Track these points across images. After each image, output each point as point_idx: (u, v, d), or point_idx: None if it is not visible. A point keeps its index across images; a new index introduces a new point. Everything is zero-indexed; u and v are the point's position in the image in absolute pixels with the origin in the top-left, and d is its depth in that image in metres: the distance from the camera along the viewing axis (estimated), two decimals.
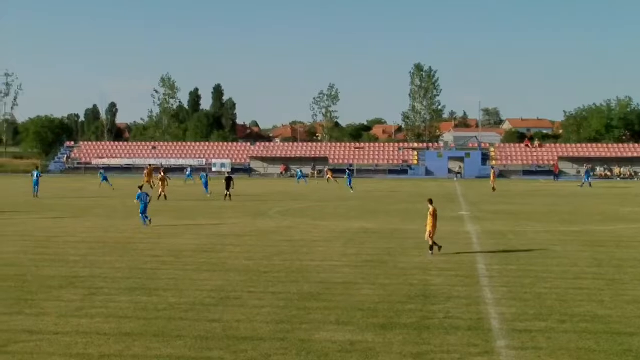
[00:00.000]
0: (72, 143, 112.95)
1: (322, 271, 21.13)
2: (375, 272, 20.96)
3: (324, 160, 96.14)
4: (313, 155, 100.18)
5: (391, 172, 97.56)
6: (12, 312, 15.68)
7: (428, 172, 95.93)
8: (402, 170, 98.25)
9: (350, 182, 62.66)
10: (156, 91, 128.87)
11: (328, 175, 79.99)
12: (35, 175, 52.63)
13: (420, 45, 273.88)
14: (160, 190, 48.69)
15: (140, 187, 35.04)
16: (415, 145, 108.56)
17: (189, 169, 79.69)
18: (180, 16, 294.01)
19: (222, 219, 35.89)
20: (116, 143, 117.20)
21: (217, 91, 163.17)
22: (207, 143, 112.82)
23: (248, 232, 30.49)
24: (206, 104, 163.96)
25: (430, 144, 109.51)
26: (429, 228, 24.24)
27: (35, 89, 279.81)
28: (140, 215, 33.12)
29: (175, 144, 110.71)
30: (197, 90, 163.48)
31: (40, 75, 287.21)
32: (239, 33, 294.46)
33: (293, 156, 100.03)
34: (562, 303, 16.97)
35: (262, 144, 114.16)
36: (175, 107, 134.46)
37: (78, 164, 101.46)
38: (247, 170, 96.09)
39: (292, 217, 37.27)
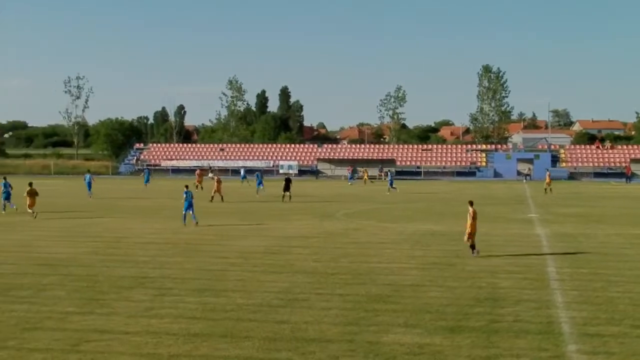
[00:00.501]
0: (142, 145, 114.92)
1: (390, 273, 21.10)
2: (442, 275, 20.83)
3: (390, 162, 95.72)
4: (380, 157, 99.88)
5: (459, 174, 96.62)
6: (83, 312, 16.09)
7: (496, 174, 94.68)
8: (470, 172, 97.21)
9: (391, 183, 62.52)
10: (224, 94, 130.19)
11: (365, 176, 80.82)
12: (87, 178, 54.67)
13: (488, 46, 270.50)
14: (213, 191, 49.42)
15: (186, 187, 35.67)
16: (483, 146, 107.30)
17: (242, 170, 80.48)
18: (248, 19, 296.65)
19: (289, 221, 36.11)
20: (184, 145, 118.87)
21: (284, 93, 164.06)
22: (274, 145, 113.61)
23: (315, 234, 30.61)
24: (273, 106, 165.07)
25: (499, 146, 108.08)
26: (468, 230, 24.18)
27: (105, 92, 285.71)
28: (184, 212, 34.00)
29: (242, 145, 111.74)
30: (264, 92, 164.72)
31: (110, 78, 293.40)
32: (306, 35, 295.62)
33: (360, 158, 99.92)
34: (635, 307, 16.59)
35: (329, 145, 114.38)
36: (242, 109, 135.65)
37: (147, 165, 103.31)
38: (314, 172, 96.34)
39: (359, 219, 37.27)
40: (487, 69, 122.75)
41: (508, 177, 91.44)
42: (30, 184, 39.35)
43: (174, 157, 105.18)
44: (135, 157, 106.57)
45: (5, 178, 43.11)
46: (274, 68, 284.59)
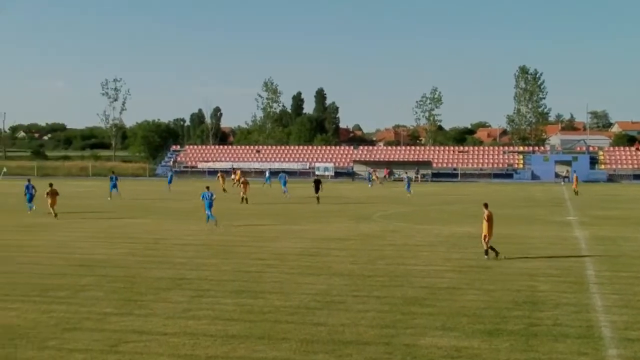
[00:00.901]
0: (178, 147, 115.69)
1: (426, 276, 20.99)
2: (480, 278, 20.67)
3: (427, 164, 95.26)
4: (416, 159, 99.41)
5: (496, 176, 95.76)
6: (122, 313, 16.23)
7: (534, 176, 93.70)
8: (507, 174, 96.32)
9: (408, 186, 62.05)
10: (260, 95, 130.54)
11: (374, 177, 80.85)
12: (112, 180, 55.60)
13: (525, 47, 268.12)
14: (242, 193, 49.55)
15: (207, 187, 36.11)
16: (521, 148, 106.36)
17: (267, 172, 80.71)
18: (283, 21, 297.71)
19: (325, 223, 36.10)
20: (220, 147, 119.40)
21: (320, 95, 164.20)
22: (310, 147, 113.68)
23: (352, 236, 30.57)
24: (309, 107, 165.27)
25: (536, 148, 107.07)
26: (484, 232, 24.10)
27: (142, 94, 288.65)
28: (207, 212, 34.67)
29: (278, 147, 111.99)
30: (299, 94, 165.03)
31: (147, 80, 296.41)
32: (342, 37, 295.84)
33: (396, 160, 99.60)
34: None
35: (365, 147, 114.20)
36: (278, 111, 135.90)
37: (184, 167, 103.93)
38: (350, 174, 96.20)
39: (395, 221, 37.15)
40: (524, 70, 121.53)
41: (546, 179, 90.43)
42: (51, 185, 40.03)
43: (210, 159, 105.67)
44: (172, 159, 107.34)
45: (29, 180, 44.24)
46: (310, 70, 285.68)
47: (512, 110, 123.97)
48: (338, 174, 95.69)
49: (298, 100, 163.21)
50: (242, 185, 50.44)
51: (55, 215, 37.62)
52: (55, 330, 14.71)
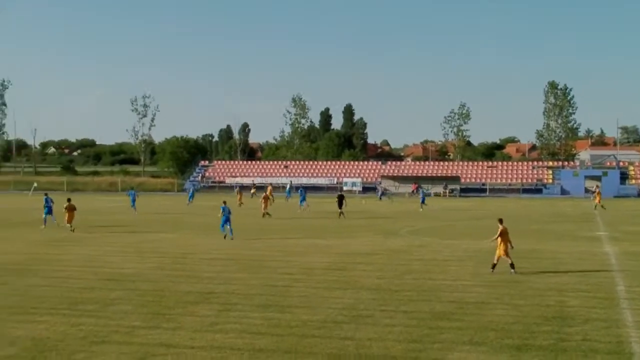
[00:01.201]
0: (207, 162, 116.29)
1: (454, 290, 20.86)
2: (508, 292, 20.50)
3: (455, 179, 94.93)
4: (444, 175, 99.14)
5: (525, 191, 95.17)
6: (150, 326, 16.29)
7: (563, 191, 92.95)
8: (536, 190, 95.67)
9: (423, 200, 62.82)
10: (288, 111, 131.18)
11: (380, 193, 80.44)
12: (132, 195, 57.67)
13: (554, 62, 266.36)
14: (262, 209, 49.70)
15: (224, 202, 36.48)
16: (550, 163, 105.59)
17: (288, 186, 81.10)
18: (311, 37, 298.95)
19: (352, 238, 36.05)
20: (249, 162, 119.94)
21: (348, 111, 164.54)
22: (338, 162, 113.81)
23: (379, 251, 30.49)
24: (337, 123, 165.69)
25: (566, 163, 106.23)
26: (499, 250, 24.08)
27: (171, 110, 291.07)
28: (221, 227, 35.69)
29: (306, 163, 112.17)
30: (327, 110, 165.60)
31: (176, 96, 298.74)
32: (370, 53, 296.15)
33: (424, 175, 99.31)
34: None
35: (393, 163, 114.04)
36: (306, 126, 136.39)
37: (212, 182, 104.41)
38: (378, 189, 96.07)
39: (423, 236, 36.99)
40: (553, 85, 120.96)
41: (575, 195, 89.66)
42: (69, 200, 40.92)
43: (238, 174, 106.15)
44: (200, 174, 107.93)
45: (46, 194, 45.46)
46: (338, 86, 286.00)
47: (541, 126, 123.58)
48: (366, 189, 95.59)
49: (326, 116, 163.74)
50: (262, 201, 50.57)
51: (73, 230, 38.19)
52: (83, 343, 14.81)
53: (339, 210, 49.94)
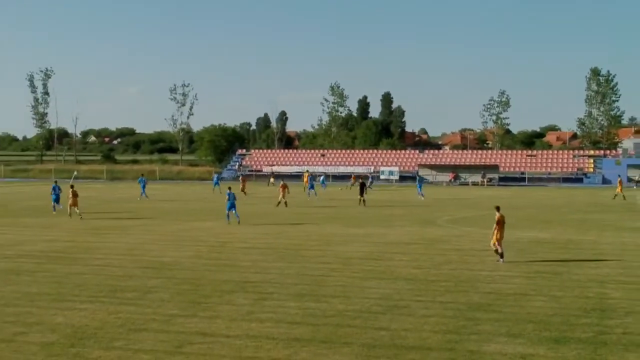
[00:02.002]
0: (244, 151, 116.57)
1: (492, 281, 20.68)
2: (547, 284, 20.26)
3: (494, 168, 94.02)
4: (483, 163, 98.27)
5: (565, 180, 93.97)
6: (187, 315, 16.41)
7: (605, 181, 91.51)
8: (577, 179, 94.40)
9: (420, 188, 61.52)
10: (325, 99, 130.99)
11: (352, 182, 75.62)
12: (142, 181, 59.69)
13: (596, 48, 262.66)
14: (280, 197, 49.62)
15: (229, 188, 38.60)
16: (592, 152, 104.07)
17: (322, 176, 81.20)
18: (349, 25, 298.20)
19: (390, 227, 35.93)
20: (286, 151, 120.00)
21: (386, 99, 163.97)
22: (375, 150, 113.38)
23: (416, 240, 30.35)
24: (375, 111, 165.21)
25: (608, 151, 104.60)
26: (494, 236, 24.12)
27: (209, 99, 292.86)
28: (227, 212, 37.46)
29: (344, 151, 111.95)
30: (365, 98, 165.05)
31: (214, 85, 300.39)
32: (408, 40, 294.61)
33: (462, 164, 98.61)
34: None
35: (431, 151, 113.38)
36: (344, 115, 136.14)
37: (249, 171, 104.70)
38: (416, 178, 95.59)
39: (461, 226, 36.73)
40: (595, 72, 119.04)
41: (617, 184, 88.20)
42: (72, 186, 42.51)
43: (275, 163, 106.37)
44: (237, 163, 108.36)
45: (55, 182, 48.23)
46: (376, 73, 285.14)
47: (583, 113, 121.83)
48: (403, 178, 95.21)
49: (364, 104, 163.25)
50: (280, 189, 50.28)
51: (80, 216, 39.87)
52: (121, 330, 14.97)
53: (361, 197, 50.59)
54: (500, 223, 24.22)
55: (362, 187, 51.40)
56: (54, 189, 44.78)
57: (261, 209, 47.83)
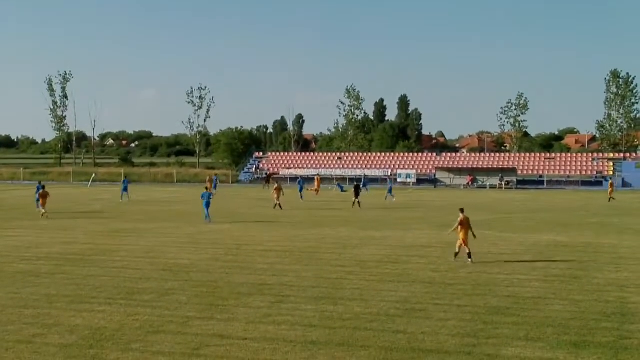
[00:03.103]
0: (261, 154, 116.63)
1: (510, 285, 20.56)
2: (566, 288, 20.12)
3: (512, 171, 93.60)
4: (501, 166, 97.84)
5: (584, 183, 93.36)
6: (204, 317, 16.43)
7: (625, 184, 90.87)
8: (596, 182, 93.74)
9: (390, 190, 62.76)
10: (342, 102, 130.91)
11: (316, 185, 70.37)
12: (124, 183, 60.76)
13: (616, 51, 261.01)
14: (275, 199, 49.38)
15: (207, 188, 43.14)
16: (611, 155, 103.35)
17: (336, 183, 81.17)
18: (365, 29, 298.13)
19: (407, 230, 35.83)
20: (303, 154, 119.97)
21: (403, 102, 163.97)
22: (392, 154, 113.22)
23: (433, 244, 30.25)
24: (391, 114, 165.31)
25: (627, 154, 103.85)
26: (461, 237, 24.79)
27: (226, 102, 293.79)
28: (205, 211, 39.90)
29: (360, 154, 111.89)
30: (382, 101, 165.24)
31: (230, 88, 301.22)
32: (425, 43, 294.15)
33: (480, 167, 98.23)
34: None
35: (448, 154, 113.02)
36: (360, 118, 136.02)
37: (266, 174, 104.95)
38: (432, 181, 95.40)
39: (478, 229, 36.34)
40: (615, 75, 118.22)
41: (638, 187, 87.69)
42: (43, 187, 45.05)
43: (292, 166, 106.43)
44: (254, 166, 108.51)
45: (40, 182, 51.64)
46: (393, 76, 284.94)
47: (602, 116, 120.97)
48: (420, 181, 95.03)
49: (380, 107, 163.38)
50: (274, 192, 49.90)
51: (45, 214, 41.97)
52: (139, 332, 15.00)
53: (355, 199, 51.41)
54: (464, 224, 24.79)
55: (357, 189, 52.42)
56: (37, 189, 46.53)
57: (278, 212, 47.82)
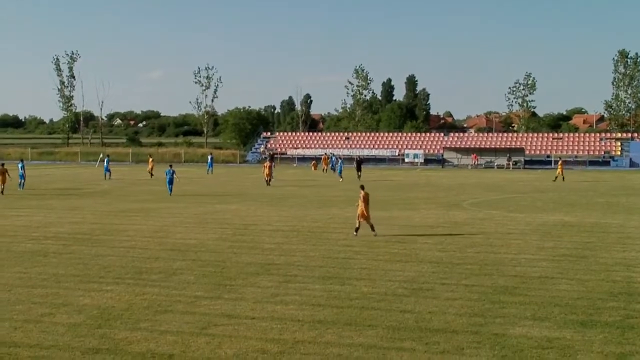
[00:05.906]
0: (269, 134, 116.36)
1: (517, 264, 20.57)
2: (573, 267, 20.12)
3: (519, 151, 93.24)
4: (508, 146, 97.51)
5: (592, 163, 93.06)
6: (212, 297, 16.49)
7: (632, 164, 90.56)
8: (603, 162, 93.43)
9: (340, 170, 62.77)
10: (350, 82, 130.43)
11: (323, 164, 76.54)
12: (105, 162, 62.42)
13: (624, 30, 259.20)
14: (265, 176, 53.27)
15: (170, 166, 46.14)
16: (619, 135, 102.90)
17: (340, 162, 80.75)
18: (374, 9, 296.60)
19: (414, 210, 35.82)
20: (310, 133, 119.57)
21: (411, 82, 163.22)
22: (400, 133, 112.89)
23: (441, 223, 30.25)
24: (399, 94, 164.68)
25: (635, 134, 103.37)
26: (359, 211, 26.14)
27: (234, 82, 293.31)
28: (167, 186, 43.85)
29: (368, 134, 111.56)
30: (390, 80, 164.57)
31: (238, 68, 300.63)
32: (432, 23, 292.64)
33: (487, 147, 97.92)
34: None
35: (456, 134, 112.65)
36: (368, 98, 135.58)
37: (274, 154, 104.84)
38: (440, 161, 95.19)
39: (486, 209, 36.54)
40: (623, 54, 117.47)
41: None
42: (2, 164, 46.13)
43: (299, 146, 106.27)
44: (262, 146, 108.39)
45: (21, 160, 53.68)
46: (400, 56, 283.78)
47: (610, 96, 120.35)
48: (428, 161, 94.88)
49: (388, 87, 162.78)
50: (265, 168, 53.92)
51: (2, 191, 43.98)
52: (147, 312, 15.08)
53: (358, 174, 57.21)
54: (365, 200, 26.04)
55: (359, 164, 59.10)
56: (21, 167, 49.09)
57: (287, 191, 47.85)
